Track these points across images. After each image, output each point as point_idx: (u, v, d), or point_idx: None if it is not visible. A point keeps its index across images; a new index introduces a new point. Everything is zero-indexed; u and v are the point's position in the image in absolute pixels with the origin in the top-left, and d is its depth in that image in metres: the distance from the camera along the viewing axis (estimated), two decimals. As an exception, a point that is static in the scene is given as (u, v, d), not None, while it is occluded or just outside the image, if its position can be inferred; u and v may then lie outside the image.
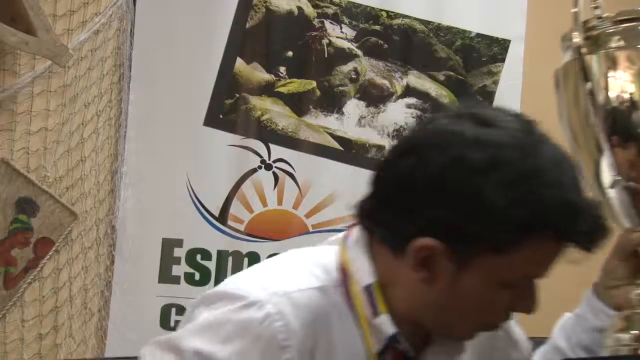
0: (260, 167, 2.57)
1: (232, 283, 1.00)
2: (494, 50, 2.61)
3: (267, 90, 2.57)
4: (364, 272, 0.99)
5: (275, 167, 2.58)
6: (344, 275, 1.00)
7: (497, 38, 2.60)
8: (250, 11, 2.55)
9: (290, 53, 2.57)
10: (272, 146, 2.57)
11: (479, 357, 1.10)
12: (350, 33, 2.58)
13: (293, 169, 2.58)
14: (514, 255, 0.91)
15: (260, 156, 2.57)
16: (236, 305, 0.94)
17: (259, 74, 2.57)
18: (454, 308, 0.96)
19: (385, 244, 0.98)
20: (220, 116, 2.56)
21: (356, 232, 1.03)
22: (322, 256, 1.03)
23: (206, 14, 2.54)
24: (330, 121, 2.59)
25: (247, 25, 2.56)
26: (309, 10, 2.57)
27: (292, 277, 0.98)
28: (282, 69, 2.57)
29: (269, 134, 2.57)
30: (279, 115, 2.57)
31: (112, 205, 2.51)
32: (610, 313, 1.19)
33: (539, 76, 2.42)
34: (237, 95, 2.56)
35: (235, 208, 2.56)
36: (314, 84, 2.58)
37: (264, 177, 2.57)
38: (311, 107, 2.59)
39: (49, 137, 2.41)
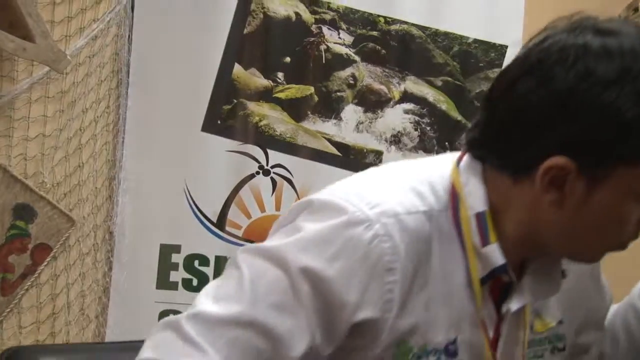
0: (258, 173, 2.57)
1: (340, 193, 0.96)
2: (491, 55, 2.61)
3: (265, 96, 2.56)
4: (476, 198, 0.97)
5: (274, 172, 2.57)
6: (454, 199, 0.98)
7: (494, 44, 2.60)
8: (248, 17, 2.54)
9: (288, 59, 2.56)
10: (270, 152, 2.56)
11: (569, 299, 1.08)
12: (348, 39, 2.57)
13: (291, 174, 2.57)
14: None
15: (258, 162, 2.56)
16: (343, 219, 0.92)
17: (257, 80, 2.56)
18: (585, 228, 0.93)
19: (503, 170, 0.95)
20: (218, 122, 2.55)
21: (467, 158, 1.00)
22: (429, 173, 1.00)
23: (204, 20, 2.53)
24: (328, 127, 2.58)
25: (245, 31, 2.55)
26: (307, 16, 2.56)
27: (400, 196, 0.96)
28: (280, 75, 2.56)
29: (267, 140, 2.56)
30: (277, 120, 2.56)
31: (110, 211, 2.50)
32: None
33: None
34: (235, 101, 2.55)
35: (233, 214, 2.55)
36: (312, 89, 2.57)
37: (262, 183, 2.57)
38: (309, 112, 2.58)
39: (47, 143, 2.40)
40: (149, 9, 2.51)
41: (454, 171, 0.99)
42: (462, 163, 1.00)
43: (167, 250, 2.53)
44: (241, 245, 2.51)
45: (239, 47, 2.54)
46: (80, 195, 2.45)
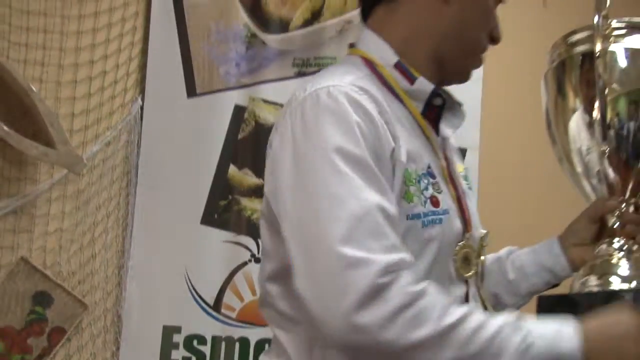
0: (250, 261, 2.69)
1: (310, 91, 1.06)
2: (453, 157, 2.80)
3: (256, 192, 2.72)
4: (385, 54, 1.13)
5: (264, 260, 2.71)
6: (370, 66, 1.14)
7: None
8: (242, 124, 2.73)
9: (276, 160, 2.74)
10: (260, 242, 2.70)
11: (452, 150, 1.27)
12: (329, 142, 2.76)
13: (280, 262, 2.71)
14: None
15: (251, 251, 2.70)
16: (331, 98, 1.03)
17: (249, 179, 2.72)
18: (465, 21, 1.12)
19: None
20: (215, 216, 2.71)
21: (356, 35, 1.20)
22: (347, 62, 1.16)
23: (204, 127, 2.71)
24: (312, 219, 2.73)
25: (239, 137, 2.73)
26: (293, 123, 2.76)
27: (345, 75, 1.10)
28: (270, 174, 2.74)
29: (258, 231, 2.69)
30: (267, 214, 2.72)
31: (119, 296, 2.62)
32: (562, 261, 1.30)
33: (493, 183, 2.62)
34: (230, 197, 2.71)
35: (228, 297, 2.68)
36: (297, 187, 2.74)
37: (254, 270, 2.68)
38: (295, 207, 2.74)
39: (64, 236, 2.55)
40: (155, 118, 2.70)
41: (353, 50, 1.18)
42: (357, 42, 1.18)
43: (169, 331, 2.65)
44: (235, 326, 2.66)
45: (233, 150, 2.73)
46: (93, 283, 2.58)
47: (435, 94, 1.14)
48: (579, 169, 1.29)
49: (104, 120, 2.62)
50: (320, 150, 1.00)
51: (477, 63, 1.19)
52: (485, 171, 2.66)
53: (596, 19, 1.17)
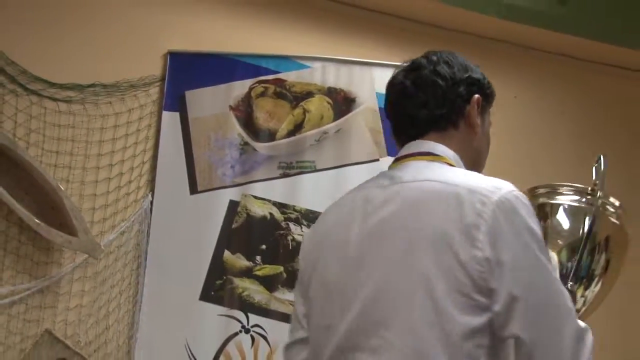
0: (241, 331, 2.91)
1: (504, 189, 1.20)
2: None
3: (247, 273, 2.95)
4: (459, 164, 1.31)
5: (253, 331, 2.92)
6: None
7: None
8: (235, 216, 2.97)
9: (264, 246, 2.97)
10: (250, 315, 2.92)
11: None
12: (308, 231, 2.97)
13: (266, 332, 2.92)
14: (490, 105, 1.39)
15: (241, 323, 2.92)
16: (523, 196, 1.21)
17: (241, 262, 2.95)
18: (484, 143, 1.37)
19: (446, 129, 1.32)
20: (212, 293, 2.93)
21: (430, 148, 1.32)
22: (455, 168, 1.31)
23: (203, 218, 2.97)
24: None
25: (233, 226, 2.98)
26: (278, 215, 3.00)
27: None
28: (258, 258, 2.96)
29: (248, 306, 2.93)
30: (256, 292, 2.94)
31: (128, 362, 2.82)
32: None
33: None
34: (225, 277, 2.94)
35: (222, 363, 2.88)
36: (282, 268, 2.97)
37: (244, 339, 2.91)
38: (279, 285, 2.96)
39: (83, 311, 2.77)
40: (163, 211, 2.96)
41: (439, 158, 1.31)
42: (425, 150, 1.33)
43: (170, 394, 2.84)
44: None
45: (228, 238, 2.97)
46: (106, 351, 2.80)
47: None
48: None
49: (119, 214, 2.87)
50: (538, 242, 1.19)
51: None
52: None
53: (599, 194, 1.41)
